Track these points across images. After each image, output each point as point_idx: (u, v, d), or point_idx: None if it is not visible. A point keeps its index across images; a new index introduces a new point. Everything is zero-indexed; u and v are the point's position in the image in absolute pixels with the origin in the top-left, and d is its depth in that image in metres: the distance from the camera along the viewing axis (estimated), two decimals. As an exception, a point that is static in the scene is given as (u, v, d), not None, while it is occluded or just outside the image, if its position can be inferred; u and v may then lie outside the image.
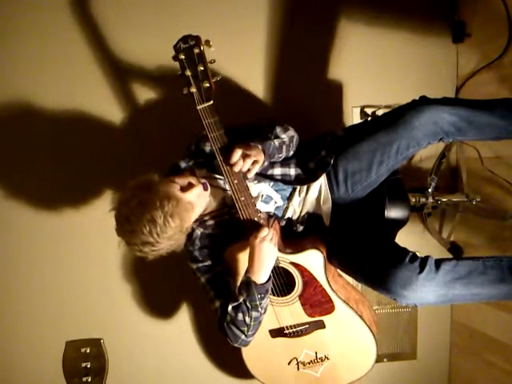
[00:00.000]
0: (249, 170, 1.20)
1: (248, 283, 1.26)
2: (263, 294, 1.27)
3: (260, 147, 1.24)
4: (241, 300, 1.27)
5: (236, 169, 1.18)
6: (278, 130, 1.37)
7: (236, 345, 1.35)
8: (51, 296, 1.82)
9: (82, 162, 1.78)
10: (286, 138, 1.37)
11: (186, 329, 1.92)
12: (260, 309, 1.28)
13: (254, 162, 1.20)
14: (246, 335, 1.32)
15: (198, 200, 1.26)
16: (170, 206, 1.14)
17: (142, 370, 1.91)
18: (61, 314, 1.83)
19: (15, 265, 1.80)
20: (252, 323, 1.30)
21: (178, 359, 1.93)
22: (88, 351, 1.85)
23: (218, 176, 1.37)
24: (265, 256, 1.25)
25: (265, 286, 1.27)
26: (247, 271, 1.28)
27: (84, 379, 1.84)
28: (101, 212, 1.73)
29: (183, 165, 1.40)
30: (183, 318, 1.91)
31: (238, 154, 1.16)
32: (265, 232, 1.25)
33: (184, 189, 1.23)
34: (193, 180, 1.28)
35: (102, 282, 1.84)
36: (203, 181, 1.30)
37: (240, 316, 1.28)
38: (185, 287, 1.82)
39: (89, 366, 1.85)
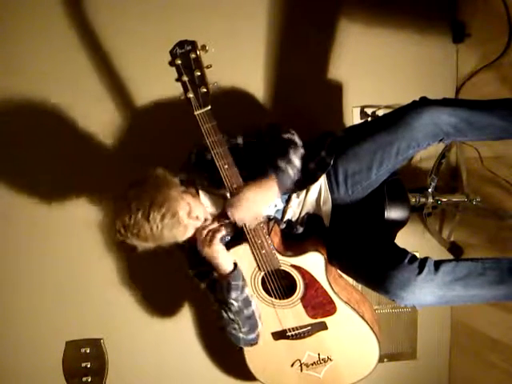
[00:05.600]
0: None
1: (214, 280, 1.29)
2: (227, 289, 1.27)
3: (276, 184, 1.26)
4: (218, 298, 1.29)
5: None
6: (293, 157, 1.33)
7: (241, 345, 1.37)
8: (51, 296, 1.82)
9: (83, 157, 1.77)
10: (298, 161, 1.34)
11: (186, 329, 1.92)
12: (233, 302, 1.28)
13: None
14: (242, 332, 1.32)
15: (191, 231, 1.27)
16: (169, 222, 1.16)
17: (142, 370, 1.91)
18: (61, 314, 1.83)
19: (15, 265, 1.79)
20: (237, 318, 1.30)
21: (179, 359, 1.93)
22: (88, 351, 1.85)
23: (218, 186, 1.37)
24: (212, 250, 1.26)
25: (225, 280, 1.27)
26: None
27: (84, 379, 1.84)
28: (101, 213, 1.73)
29: (183, 176, 1.39)
30: (184, 318, 1.91)
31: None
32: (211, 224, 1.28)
33: (190, 216, 1.24)
34: (201, 213, 1.28)
35: (103, 281, 1.84)
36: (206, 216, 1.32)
37: (224, 314, 1.29)
38: (186, 287, 1.81)
39: (89, 365, 1.85)
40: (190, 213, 1.24)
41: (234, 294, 1.28)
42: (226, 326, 1.32)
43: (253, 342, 1.38)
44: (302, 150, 1.37)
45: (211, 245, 1.26)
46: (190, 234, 1.28)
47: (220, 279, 1.29)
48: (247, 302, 1.32)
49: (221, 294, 1.28)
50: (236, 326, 1.31)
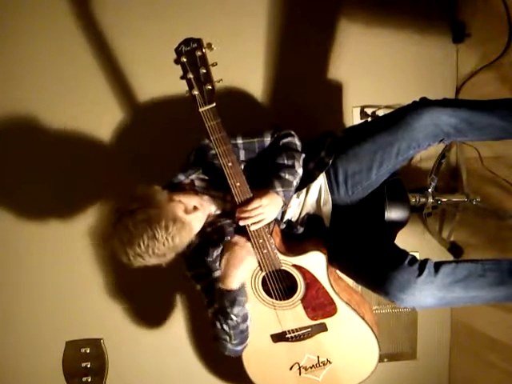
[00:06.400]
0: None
1: (219, 290, 1.26)
2: (231, 303, 1.24)
3: (282, 200, 1.28)
4: (215, 307, 1.27)
5: (246, 221, 1.23)
6: (297, 165, 1.35)
7: (226, 353, 1.34)
8: (51, 296, 1.82)
9: (84, 168, 1.78)
10: (301, 169, 1.36)
11: (185, 329, 1.92)
12: (232, 317, 1.25)
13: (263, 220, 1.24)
14: (231, 344, 1.30)
15: (197, 223, 1.27)
16: (174, 229, 1.14)
17: (142, 370, 1.91)
18: (61, 314, 1.83)
19: (15, 265, 1.80)
20: (232, 332, 1.28)
21: (178, 360, 1.93)
22: (88, 351, 1.85)
23: (217, 188, 1.37)
24: (234, 262, 1.24)
25: (232, 294, 1.24)
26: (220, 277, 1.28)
27: (84, 379, 1.85)
28: (101, 213, 1.73)
29: (182, 177, 1.39)
30: (183, 318, 1.91)
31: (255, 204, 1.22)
32: (238, 237, 1.26)
33: (188, 211, 1.23)
34: (197, 202, 1.28)
35: (103, 282, 1.84)
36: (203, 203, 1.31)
37: (218, 324, 1.27)
38: (186, 288, 1.82)
39: (89, 365, 1.85)
40: (187, 208, 1.23)
41: (236, 310, 1.26)
42: (216, 334, 1.30)
43: (238, 354, 1.37)
44: (303, 155, 1.39)
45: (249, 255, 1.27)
46: (198, 227, 1.28)
47: (225, 292, 1.25)
48: (245, 318, 1.30)
49: (222, 306, 1.26)
50: (227, 337, 1.29)
